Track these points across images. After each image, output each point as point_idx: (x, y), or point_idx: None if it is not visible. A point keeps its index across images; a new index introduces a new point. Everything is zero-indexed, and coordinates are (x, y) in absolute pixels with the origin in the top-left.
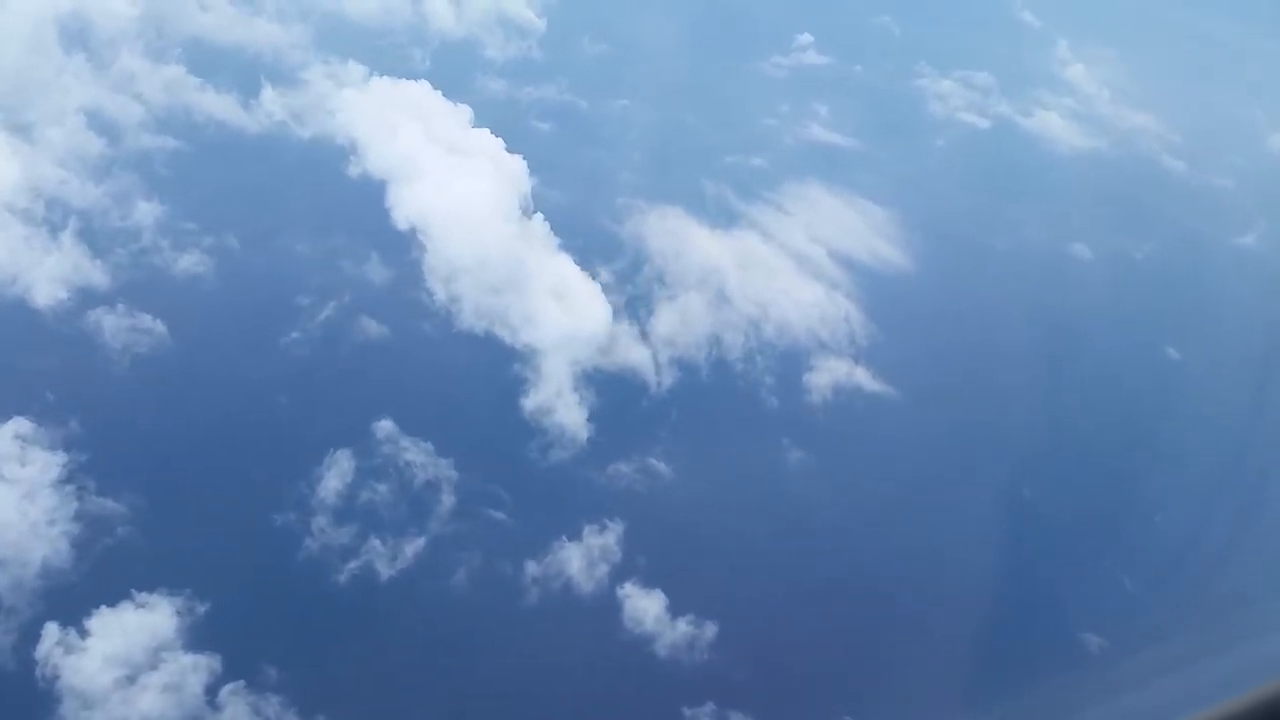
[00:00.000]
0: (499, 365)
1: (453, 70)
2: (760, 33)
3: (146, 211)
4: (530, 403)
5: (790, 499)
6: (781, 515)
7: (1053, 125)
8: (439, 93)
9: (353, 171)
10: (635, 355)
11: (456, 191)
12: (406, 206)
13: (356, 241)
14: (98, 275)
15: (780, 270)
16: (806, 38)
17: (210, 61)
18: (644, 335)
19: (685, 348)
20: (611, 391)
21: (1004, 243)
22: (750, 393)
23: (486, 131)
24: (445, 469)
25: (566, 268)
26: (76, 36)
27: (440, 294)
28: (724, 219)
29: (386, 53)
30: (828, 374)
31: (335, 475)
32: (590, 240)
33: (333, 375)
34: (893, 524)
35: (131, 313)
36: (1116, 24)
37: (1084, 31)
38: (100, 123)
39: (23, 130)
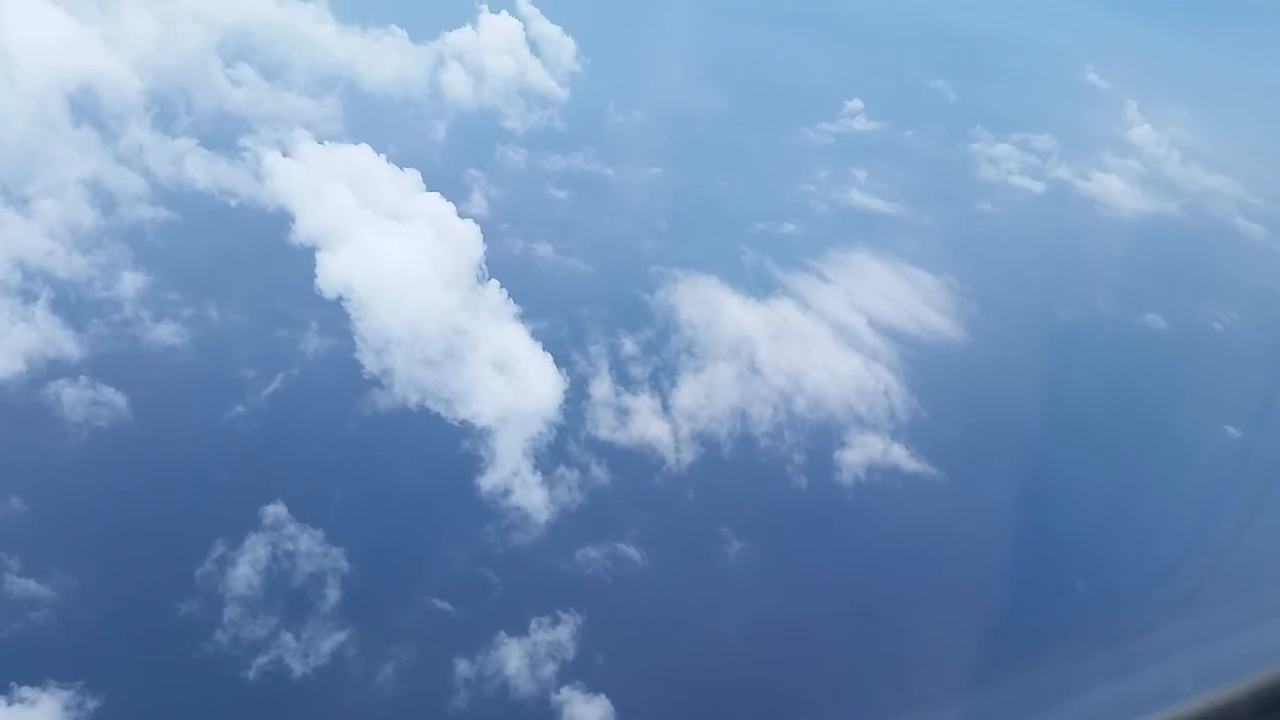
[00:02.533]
0: (443, 443)
1: (470, 141)
2: (809, 100)
3: (131, 282)
4: (487, 482)
5: (792, 595)
6: (776, 615)
7: (1112, 188)
8: (383, 157)
9: (298, 239)
10: (653, 429)
11: (394, 260)
12: (339, 275)
13: (302, 311)
14: (69, 346)
15: (817, 340)
16: (856, 104)
17: (228, 134)
18: (665, 408)
19: (708, 422)
20: (624, 467)
21: (1068, 312)
22: (775, 470)
23: (437, 196)
24: (376, 556)
25: (517, 338)
26: (86, 111)
27: (371, 366)
28: (760, 287)
29: (407, 124)
30: (862, 451)
31: (249, 562)
32: (616, 309)
33: (267, 453)
34: (917, 633)
35: (94, 385)
36: (1190, 84)
37: (1154, 92)
38: (99, 194)
39: (20, 203)
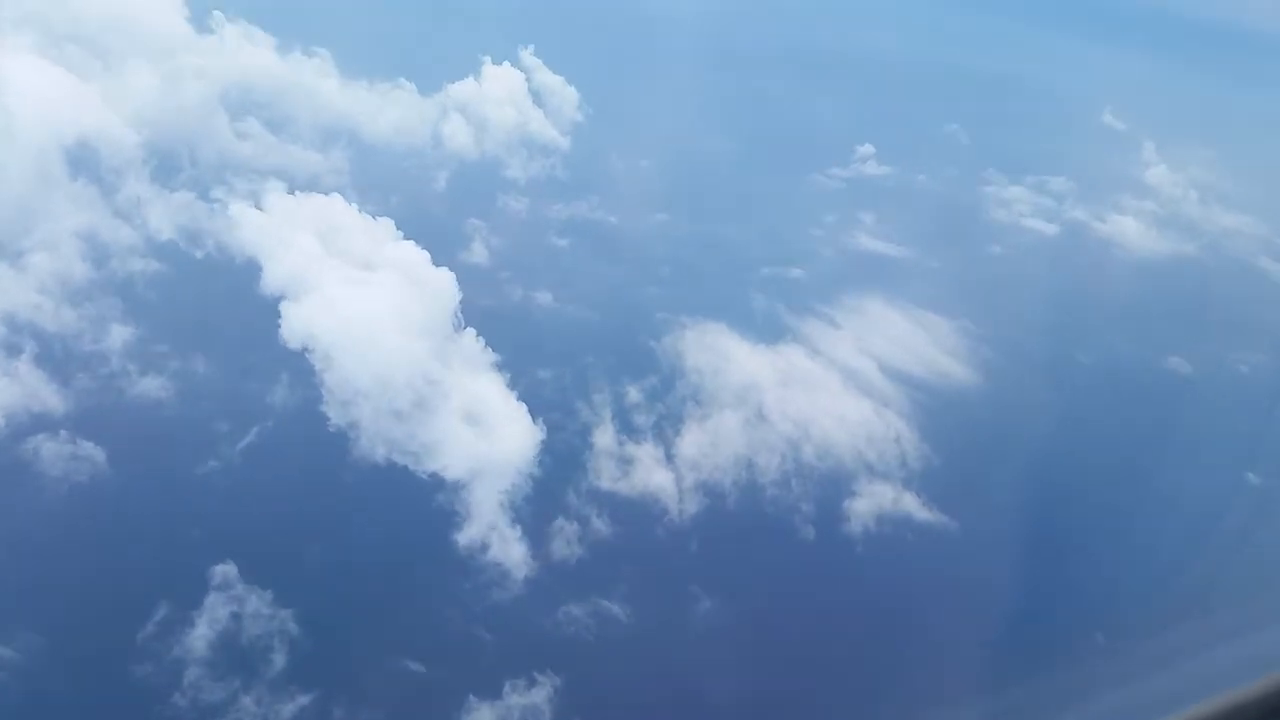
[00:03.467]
0: (413, 497)
1: (472, 190)
2: (820, 145)
3: (119, 335)
4: (463, 537)
5: (795, 654)
6: (778, 675)
7: (1128, 230)
8: (354, 206)
9: (266, 290)
10: (656, 479)
11: (360, 309)
12: (302, 326)
13: (276, 363)
14: (52, 400)
15: (826, 386)
16: (868, 148)
17: (230, 187)
18: (669, 457)
19: (712, 471)
20: (625, 518)
21: (1088, 356)
22: (781, 521)
23: (411, 245)
24: (344, 615)
25: (491, 388)
26: (83, 165)
27: (337, 419)
28: (769, 333)
29: (410, 175)
30: (872, 500)
31: (209, 623)
32: (620, 356)
33: (239, 510)
34: (928, 693)
35: (74, 440)
36: (1210, 123)
37: (1173, 133)
38: (93, 247)
39: (14, 256)
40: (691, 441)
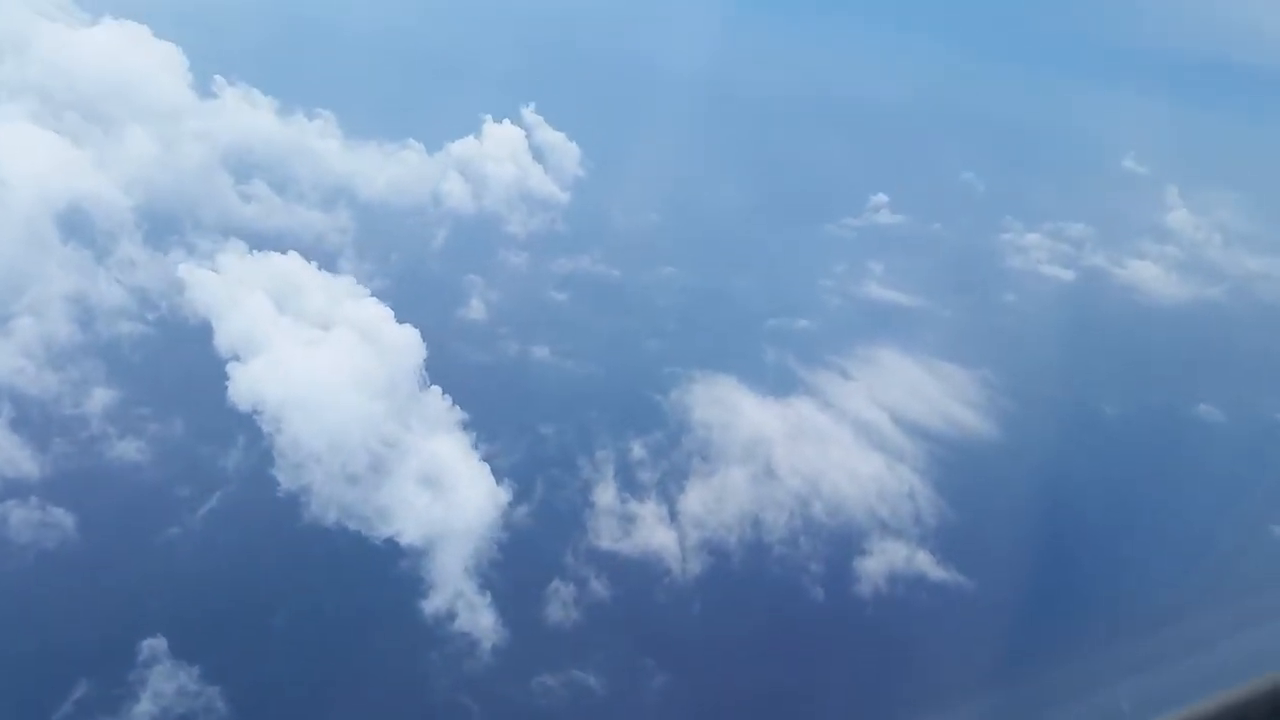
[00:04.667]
0: (372, 564)
1: (472, 246)
2: (832, 196)
3: (100, 398)
4: (429, 606)
5: None
6: None
7: (1147, 275)
8: (313, 264)
9: (220, 352)
10: (659, 538)
11: (312, 370)
12: (250, 388)
13: (234, 425)
14: (27, 465)
15: (837, 440)
16: (881, 198)
17: (228, 249)
18: (672, 515)
19: (717, 529)
20: (625, 580)
21: (1113, 405)
22: (789, 581)
23: (373, 302)
24: (299, 688)
25: (453, 449)
26: (75, 229)
27: (288, 483)
28: (779, 386)
29: (410, 232)
30: (884, 559)
31: (151, 699)
32: (625, 411)
33: (198, 577)
34: None
35: (43, 506)
36: (1235, 167)
37: (1196, 176)
38: (80, 311)
39: (1, 321)
40: (696, 498)
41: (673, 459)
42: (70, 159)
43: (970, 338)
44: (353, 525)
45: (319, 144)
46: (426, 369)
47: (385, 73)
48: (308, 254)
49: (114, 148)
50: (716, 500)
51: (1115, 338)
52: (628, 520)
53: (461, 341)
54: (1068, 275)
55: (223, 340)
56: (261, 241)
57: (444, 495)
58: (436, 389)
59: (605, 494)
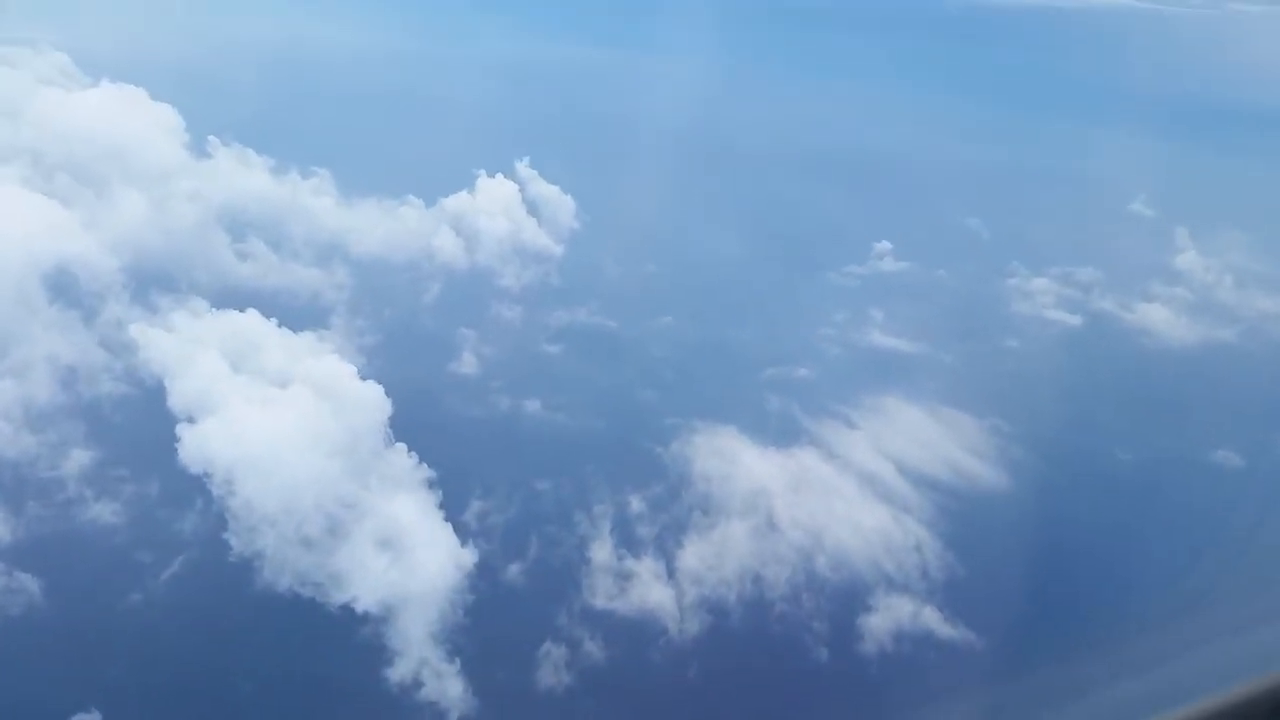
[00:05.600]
0: (328, 632)
1: (464, 300)
2: (835, 244)
3: (77, 460)
4: (394, 674)
5: None
6: None
7: (1156, 318)
8: (271, 321)
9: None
10: (655, 596)
11: (266, 430)
12: (200, 449)
13: (190, 489)
14: None
15: (841, 491)
16: (885, 245)
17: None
18: (670, 572)
19: (717, 585)
20: (620, 640)
21: (1128, 452)
22: (791, 640)
23: (334, 358)
24: None
25: (417, 508)
26: (62, 290)
27: (241, 548)
28: (782, 436)
29: (403, 288)
30: (889, 616)
31: None
32: (623, 465)
33: (156, 648)
34: None
35: (10, 571)
36: (1246, 207)
37: (1206, 218)
38: (62, 371)
39: None
40: (695, 554)
41: (672, 513)
42: (58, 220)
43: (977, 384)
44: (307, 591)
45: (313, 202)
46: (414, 425)
47: (380, 130)
48: (302, 311)
49: (105, 209)
50: (716, 555)
51: (1126, 382)
52: (624, 578)
53: (453, 396)
54: (1075, 320)
55: (176, 401)
56: (257, 299)
57: (403, 558)
58: (402, 446)
59: (601, 550)
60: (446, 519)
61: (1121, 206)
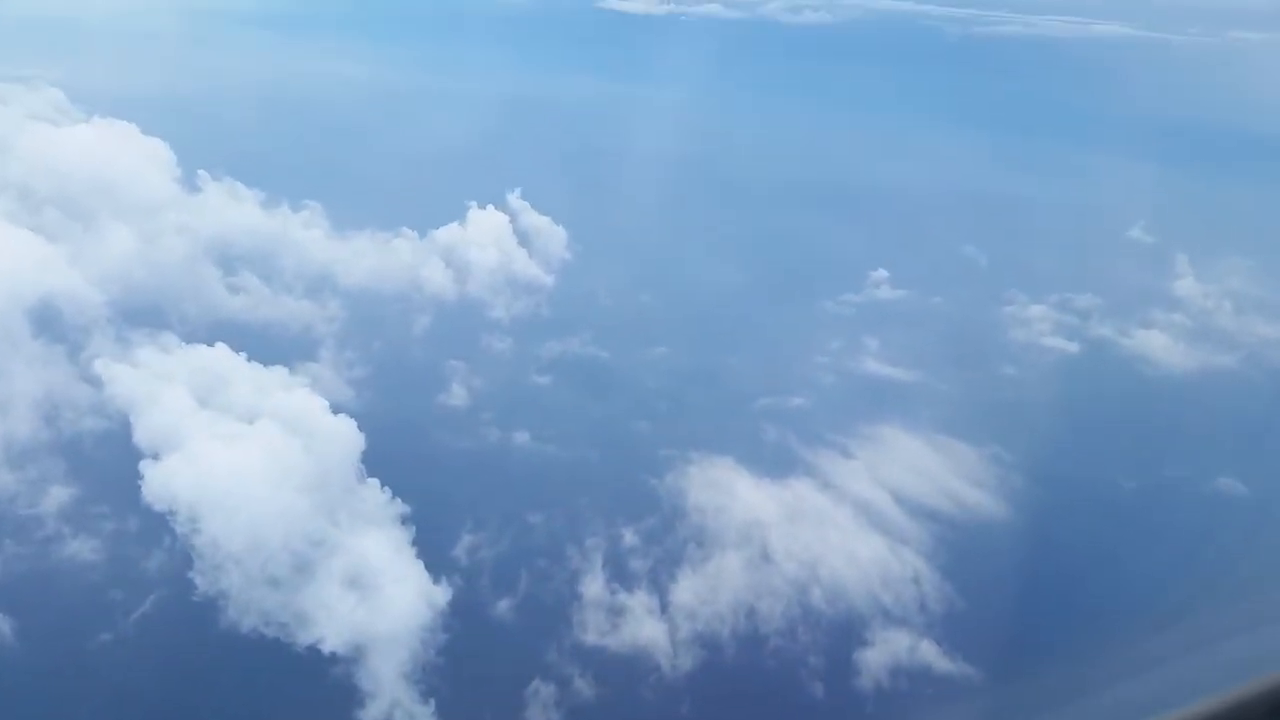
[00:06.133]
0: (294, 674)
1: (453, 332)
2: (831, 273)
3: (56, 496)
4: (366, 717)
5: None
6: None
7: (1154, 344)
8: (241, 355)
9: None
10: (647, 631)
11: (232, 467)
12: (164, 486)
13: (158, 527)
14: None
15: (836, 522)
16: (881, 273)
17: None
18: (663, 606)
19: (710, 620)
20: (610, 677)
21: (1131, 480)
22: (786, 675)
23: (305, 393)
24: None
25: (388, 545)
26: (46, 325)
27: (206, 587)
28: (778, 466)
29: (389, 320)
30: (886, 650)
31: None
32: (617, 497)
33: (122, 691)
34: None
35: None
36: (1245, 234)
37: (1206, 245)
38: (44, 408)
39: None
40: (689, 587)
41: (666, 546)
42: (43, 255)
43: (974, 412)
44: (271, 632)
45: (303, 234)
46: (402, 458)
47: (372, 163)
48: (292, 343)
49: (92, 243)
50: (710, 589)
51: (1126, 409)
52: (616, 613)
53: (441, 428)
54: (1072, 347)
55: (141, 437)
56: (247, 332)
57: (371, 596)
58: (375, 481)
59: (593, 584)
60: (419, 555)
61: (1120, 233)
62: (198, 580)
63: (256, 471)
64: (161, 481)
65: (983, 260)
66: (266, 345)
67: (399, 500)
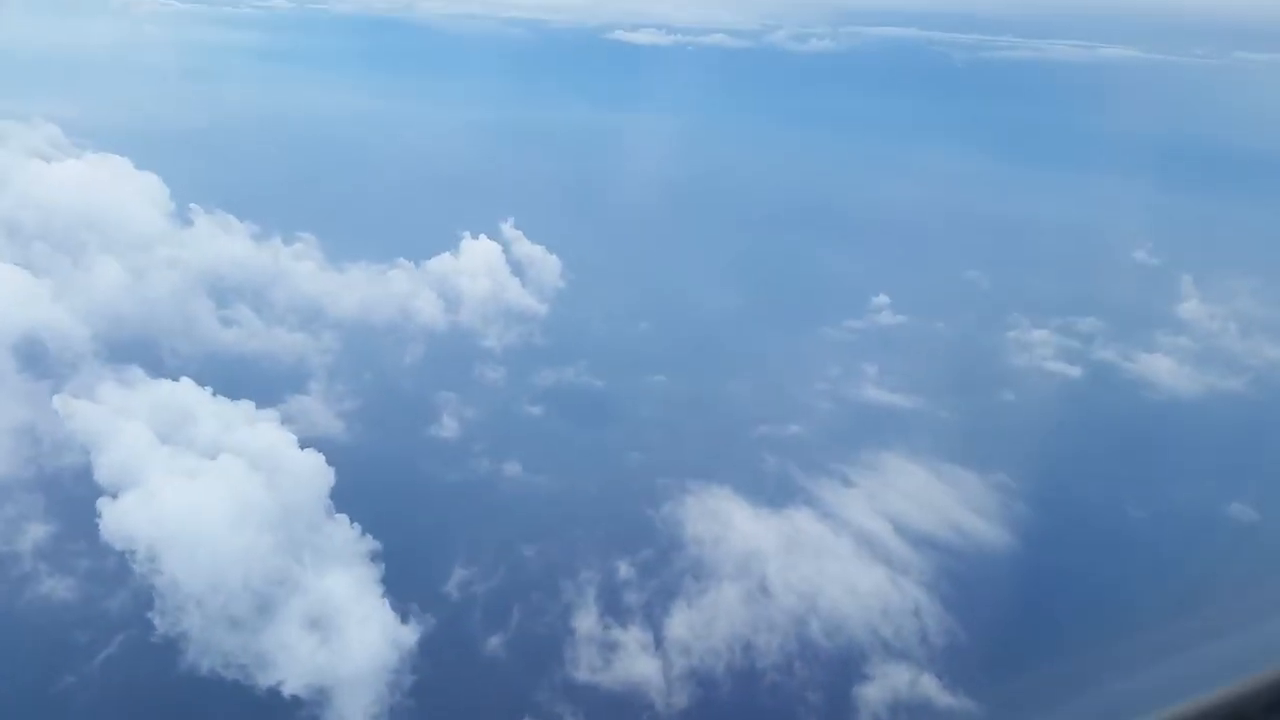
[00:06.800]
0: (268, 717)
1: (445, 363)
2: (832, 299)
3: (34, 534)
4: None
5: None
6: None
7: (1158, 368)
8: (206, 389)
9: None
10: (640, 667)
11: (193, 503)
12: (121, 525)
13: (121, 566)
14: None
15: (836, 553)
16: (883, 299)
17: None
18: (658, 642)
19: (705, 655)
20: (602, 715)
21: (1139, 508)
22: (783, 713)
23: (270, 427)
24: None
25: (355, 584)
26: (31, 360)
27: (165, 628)
28: (778, 496)
29: (385, 351)
30: (886, 684)
31: None
32: (614, 529)
33: None
34: None
35: None
36: (1252, 254)
37: (1212, 266)
38: (26, 444)
39: None
40: (684, 621)
41: (662, 578)
42: (29, 289)
43: (976, 439)
44: (231, 674)
45: (295, 266)
46: (386, 493)
47: (365, 194)
48: (285, 376)
49: (81, 277)
50: (706, 623)
51: (1132, 434)
52: (609, 648)
53: (430, 461)
54: (1075, 371)
55: (102, 474)
56: (241, 365)
57: (335, 637)
58: (344, 518)
59: (586, 619)
60: (388, 593)
61: (1125, 256)
62: (157, 621)
63: (216, 508)
64: (118, 520)
65: (985, 284)
66: (259, 378)
67: (369, 536)
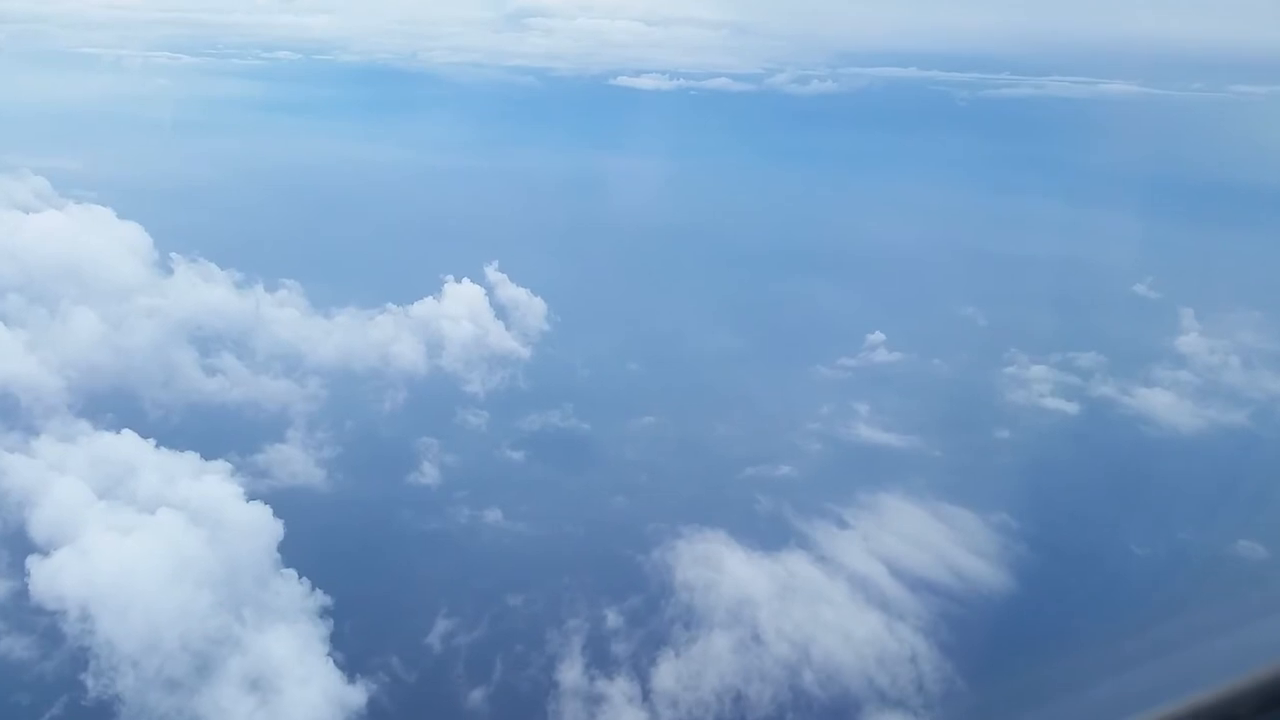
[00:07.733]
0: None
1: (426, 408)
2: (827, 337)
3: None
4: None
5: None
6: None
7: (1158, 403)
8: (150, 441)
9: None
10: None
11: (128, 561)
12: (51, 584)
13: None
14: None
15: (830, 598)
16: (878, 336)
17: (190, 426)
18: (644, 694)
19: (693, 706)
20: None
21: (1143, 546)
22: None
23: (216, 480)
24: None
25: (299, 642)
26: (3, 413)
27: (98, 690)
28: (771, 539)
29: (365, 398)
30: None
31: None
32: (602, 576)
33: None
34: None
35: None
36: (1253, 287)
37: (1213, 299)
38: None
39: None
40: (672, 672)
41: (650, 627)
42: (1, 342)
43: (976, 479)
44: None
45: (278, 313)
46: (358, 543)
47: (348, 239)
48: (267, 425)
49: (57, 328)
50: (695, 674)
51: (1133, 472)
52: (594, 702)
53: (408, 509)
54: (1072, 408)
55: (36, 531)
56: (222, 414)
57: (273, 699)
58: (291, 573)
59: (571, 672)
60: (334, 651)
61: (1124, 290)
62: (90, 683)
63: (152, 566)
64: (49, 578)
65: (982, 321)
66: (240, 426)
67: (319, 592)
